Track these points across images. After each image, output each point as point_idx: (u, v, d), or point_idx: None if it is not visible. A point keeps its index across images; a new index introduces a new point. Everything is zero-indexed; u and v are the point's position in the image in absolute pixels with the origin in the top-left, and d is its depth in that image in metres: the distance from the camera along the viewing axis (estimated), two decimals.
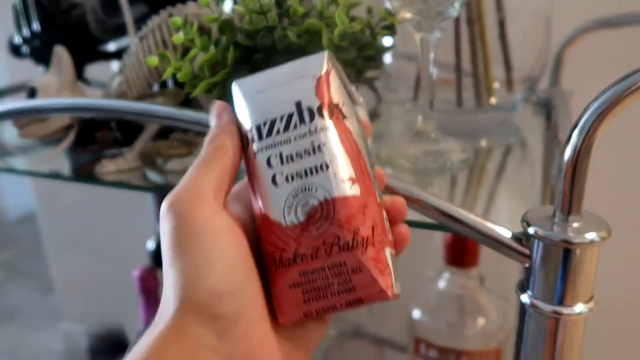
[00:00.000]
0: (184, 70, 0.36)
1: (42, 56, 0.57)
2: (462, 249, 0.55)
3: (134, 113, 0.36)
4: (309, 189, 0.22)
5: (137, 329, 0.75)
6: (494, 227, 0.28)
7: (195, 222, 0.21)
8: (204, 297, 0.20)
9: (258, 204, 0.23)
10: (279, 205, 0.22)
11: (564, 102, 0.50)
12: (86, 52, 0.58)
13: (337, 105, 0.23)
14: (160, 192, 0.75)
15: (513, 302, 0.57)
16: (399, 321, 0.68)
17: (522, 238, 0.28)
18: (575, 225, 0.26)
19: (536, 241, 0.27)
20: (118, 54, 0.61)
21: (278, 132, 0.22)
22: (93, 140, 0.46)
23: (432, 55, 0.43)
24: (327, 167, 0.22)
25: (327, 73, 0.23)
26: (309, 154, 0.22)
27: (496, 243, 0.28)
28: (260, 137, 0.23)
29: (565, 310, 0.27)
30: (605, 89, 0.25)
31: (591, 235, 0.25)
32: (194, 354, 0.20)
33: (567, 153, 0.26)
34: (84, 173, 0.45)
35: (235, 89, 0.24)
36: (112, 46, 0.63)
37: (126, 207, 1.00)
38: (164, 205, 0.22)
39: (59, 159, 0.47)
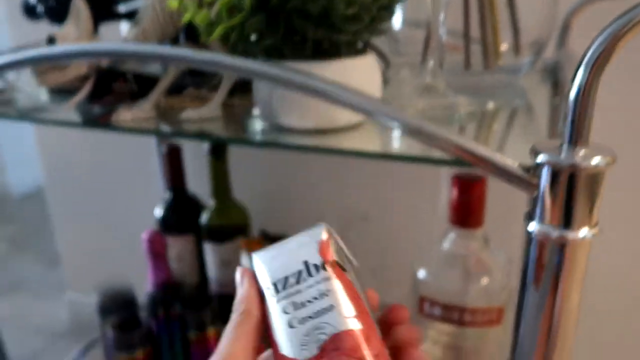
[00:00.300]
0: (202, 15, 0.37)
1: (57, 15, 0.58)
2: (468, 209, 0.56)
3: (152, 56, 0.37)
4: (319, 327, 0.26)
5: (145, 291, 0.76)
6: (503, 158, 0.29)
7: None
8: None
9: (276, 347, 0.26)
10: (296, 344, 0.26)
11: (571, 62, 0.51)
12: (100, 11, 0.59)
13: (337, 262, 0.28)
14: (175, 137, 0.76)
15: (517, 262, 0.58)
16: (404, 287, 0.69)
17: (530, 168, 0.29)
18: (582, 152, 0.27)
19: (544, 168, 0.28)
20: (131, 15, 0.62)
21: (291, 285, 0.27)
22: (109, 91, 0.47)
23: (442, 14, 0.44)
24: (333, 307, 0.26)
25: (327, 238, 0.29)
26: (317, 299, 0.27)
27: (505, 173, 0.29)
28: (277, 291, 0.28)
29: (570, 235, 0.28)
30: (610, 22, 0.26)
31: (596, 160, 0.27)
32: None
33: (575, 84, 0.27)
34: (100, 122, 0.46)
35: (255, 258, 0.30)
36: (122, 8, 0.64)
37: (134, 177, 1.02)
38: None
39: (74, 111, 0.48)
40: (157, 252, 0.74)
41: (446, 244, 0.59)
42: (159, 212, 0.84)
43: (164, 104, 0.50)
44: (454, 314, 0.57)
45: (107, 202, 1.08)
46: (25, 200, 2.02)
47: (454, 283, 0.58)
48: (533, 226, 0.29)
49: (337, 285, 0.27)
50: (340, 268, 0.28)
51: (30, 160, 1.36)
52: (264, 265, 0.29)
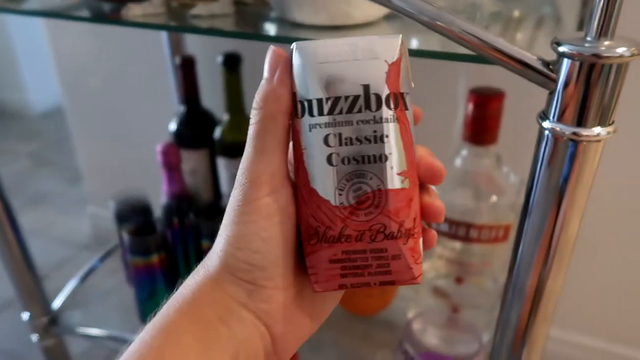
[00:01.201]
0: None
1: None
2: (483, 125, 0.55)
3: None
4: (363, 176, 0.22)
5: (160, 202, 0.78)
6: (521, 51, 0.28)
7: (253, 200, 0.23)
8: (238, 264, 0.24)
9: (306, 177, 0.23)
10: (331, 184, 0.22)
11: None
12: None
13: (402, 96, 0.23)
14: (186, 32, 0.74)
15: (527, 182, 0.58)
16: None
17: (551, 63, 0.28)
18: (606, 43, 0.26)
19: (565, 60, 0.27)
20: None
21: (340, 111, 0.22)
22: None
23: None
24: (386, 159, 0.22)
25: (399, 60, 0.22)
26: (370, 142, 0.22)
27: (524, 66, 0.28)
28: (320, 112, 0.22)
29: (584, 132, 0.27)
30: None
31: (621, 50, 0.25)
32: (225, 303, 0.24)
33: None
34: (110, 18, 0.45)
35: (296, 54, 0.23)
36: None
37: (150, 92, 1.01)
38: (235, 186, 0.24)
39: (84, 8, 0.47)
40: (171, 164, 0.75)
41: (458, 161, 0.58)
42: (173, 126, 0.84)
43: (175, 2, 0.48)
44: (461, 230, 0.58)
45: (124, 119, 1.09)
46: (46, 118, 2.04)
47: (463, 200, 0.58)
48: (547, 124, 0.28)
49: (396, 131, 0.22)
50: (404, 105, 0.23)
51: (49, 79, 1.36)
52: (309, 70, 0.22)
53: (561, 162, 0.29)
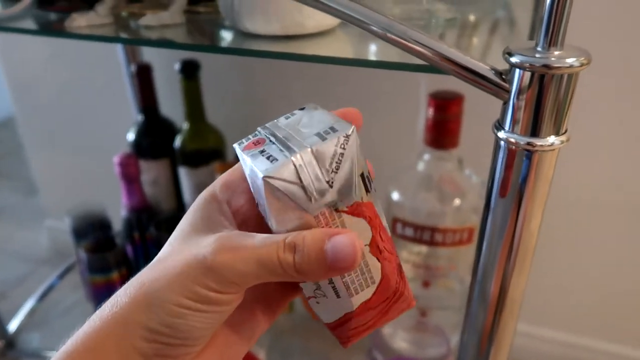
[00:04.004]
0: None
1: None
2: (443, 129, 0.55)
3: None
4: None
5: (120, 215, 0.75)
6: (474, 61, 0.28)
7: None
8: (155, 323, 0.22)
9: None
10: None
11: None
12: None
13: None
14: (134, 44, 0.72)
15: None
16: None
17: (504, 72, 0.28)
18: (556, 53, 0.26)
19: (517, 71, 0.26)
20: None
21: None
22: None
23: None
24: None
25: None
26: None
27: (477, 77, 0.28)
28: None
29: (538, 142, 0.27)
30: None
31: (571, 60, 0.25)
32: (127, 355, 0.22)
33: None
34: (54, 29, 0.43)
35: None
36: None
37: (106, 102, 0.98)
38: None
39: (31, 19, 0.45)
40: (129, 176, 0.72)
41: (420, 166, 0.58)
42: (131, 136, 0.81)
43: (124, 10, 0.46)
44: (426, 234, 0.58)
45: (81, 129, 1.05)
46: (0, 128, 1.96)
47: (427, 204, 0.58)
48: (502, 134, 0.28)
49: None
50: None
51: (1, 88, 1.30)
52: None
53: (517, 171, 0.29)
